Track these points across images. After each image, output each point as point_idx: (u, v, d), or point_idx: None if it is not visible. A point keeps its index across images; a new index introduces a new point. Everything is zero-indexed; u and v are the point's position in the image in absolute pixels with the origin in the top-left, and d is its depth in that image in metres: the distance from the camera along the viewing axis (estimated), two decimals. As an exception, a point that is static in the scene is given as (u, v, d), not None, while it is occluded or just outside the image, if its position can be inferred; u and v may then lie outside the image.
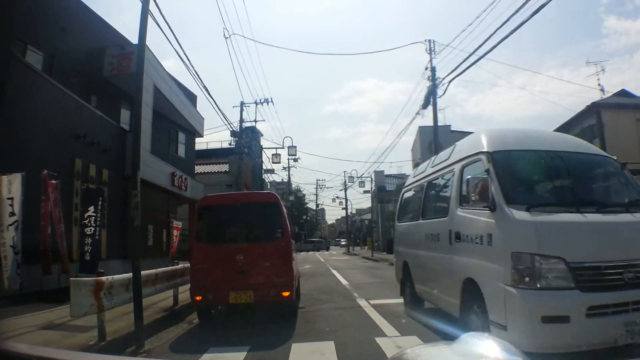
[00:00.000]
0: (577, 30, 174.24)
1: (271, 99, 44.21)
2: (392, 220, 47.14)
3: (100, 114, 19.42)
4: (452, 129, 39.67)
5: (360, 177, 44.12)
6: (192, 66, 19.66)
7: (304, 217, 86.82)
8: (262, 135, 62.02)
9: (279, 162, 43.21)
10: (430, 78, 21.49)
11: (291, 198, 59.90)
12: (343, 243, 72.98)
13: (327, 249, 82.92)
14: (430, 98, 21.61)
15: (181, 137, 32.07)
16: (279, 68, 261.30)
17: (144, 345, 8.11)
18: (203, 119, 33.93)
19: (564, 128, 30.63)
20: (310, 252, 69.01)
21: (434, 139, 22.29)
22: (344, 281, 18.99)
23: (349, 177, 42.52)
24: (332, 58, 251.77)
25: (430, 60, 21.83)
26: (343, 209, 68.56)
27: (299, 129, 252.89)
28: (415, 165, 42.48)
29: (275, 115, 73.80)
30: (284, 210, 11.10)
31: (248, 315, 11.14)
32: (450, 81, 20.08)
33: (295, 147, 38.80)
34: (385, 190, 63.12)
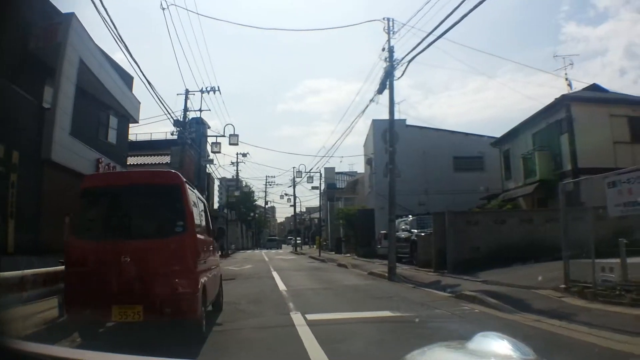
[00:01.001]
0: (535, 36, 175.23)
1: (218, 87, 41.13)
2: (343, 218, 45.01)
3: (17, 89, 16.33)
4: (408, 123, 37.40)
5: (309, 172, 41.55)
6: (115, 27, 16.68)
7: (252, 214, 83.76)
8: (209, 128, 58.90)
9: (219, 152, 40.14)
10: (388, 59, 18.91)
11: (237, 193, 56.63)
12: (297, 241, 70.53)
13: (280, 248, 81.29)
14: (387, 82, 19.02)
15: (113, 121, 28.73)
16: (231, 65, 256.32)
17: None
18: (139, 102, 30.68)
19: (530, 123, 28.54)
20: (257, 251, 66.14)
21: (389, 127, 19.72)
22: (282, 286, 16.20)
23: (297, 172, 39.95)
24: (288, 57, 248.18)
25: (389, 40, 19.33)
26: (291, 206, 65.70)
27: (252, 126, 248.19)
28: (368, 160, 40.05)
29: (223, 107, 70.29)
30: (190, 196, 8.30)
31: (147, 335, 8.07)
32: (409, 61, 17.62)
33: (237, 135, 35.80)
34: (335, 187, 60.69)
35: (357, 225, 38.21)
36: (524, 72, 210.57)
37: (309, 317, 9.65)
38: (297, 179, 51.54)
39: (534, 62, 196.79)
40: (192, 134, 50.14)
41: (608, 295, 10.35)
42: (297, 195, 66.94)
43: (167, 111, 31.42)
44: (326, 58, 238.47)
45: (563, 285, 11.74)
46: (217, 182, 57.23)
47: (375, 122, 38.40)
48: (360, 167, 51.74)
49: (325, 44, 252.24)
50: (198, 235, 8.38)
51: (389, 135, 19.31)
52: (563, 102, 24.80)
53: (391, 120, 19.46)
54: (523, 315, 9.50)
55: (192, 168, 48.42)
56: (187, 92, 39.81)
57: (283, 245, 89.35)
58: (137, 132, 59.94)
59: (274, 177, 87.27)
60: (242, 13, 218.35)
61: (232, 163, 68.48)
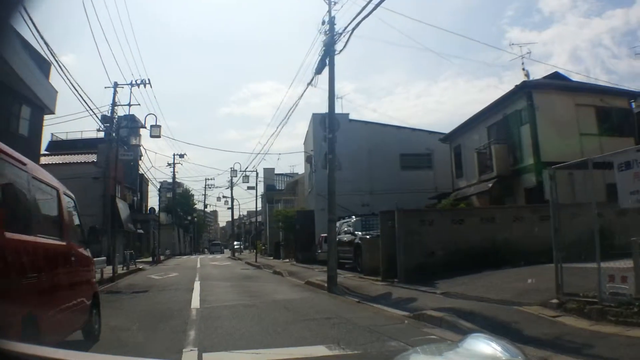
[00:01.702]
0: (478, 41, 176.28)
1: (148, 80, 37.01)
2: (282, 221, 41.76)
3: None
4: (350, 118, 34.50)
5: (244, 171, 38.01)
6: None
7: (189, 217, 79.57)
8: (143, 127, 54.78)
9: (139, 145, 36.23)
10: (328, 31, 15.84)
11: (169, 194, 52.58)
12: (236, 246, 66.73)
13: (223, 252, 78.14)
14: (327, 58, 15.95)
15: (25, 111, 24.88)
16: (174, 66, 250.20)
17: None
18: (56, 92, 26.78)
19: (484, 115, 26.15)
20: (194, 256, 62.28)
21: (329, 110, 16.61)
22: (196, 302, 12.83)
23: (233, 171, 36.35)
24: (230, 60, 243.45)
25: (329, 10, 16.19)
26: (229, 209, 61.94)
27: (194, 130, 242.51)
28: (308, 158, 36.94)
29: (155, 103, 66.37)
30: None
31: None
32: (352, 31, 14.61)
33: (159, 126, 31.90)
34: (274, 189, 57.44)
35: (296, 228, 35.07)
36: (465, 77, 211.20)
37: (207, 358, 6.44)
38: (234, 179, 47.87)
39: (476, 69, 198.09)
40: (122, 132, 46.24)
41: (621, 314, 7.53)
42: (236, 197, 63.44)
43: (88, 105, 27.30)
44: (268, 60, 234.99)
45: (555, 300, 8.92)
46: (156, 185, 53.06)
47: (315, 116, 35.44)
48: (302, 169, 48.72)
49: (269, 46, 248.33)
50: (26, 238, 5.18)
51: (328, 120, 16.27)
52: (524, 90, 22.50)
53: (331, 102, 16.36)
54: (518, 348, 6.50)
55: (120, 167, 44.40)
56: (115, 84, 35.95)
57: (226, 250, 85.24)
58: (67, 131, 55.61)
59: (213, 179, 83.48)
60: (187, 12, 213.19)
61: (169, 164, 64.71)
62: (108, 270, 23.45)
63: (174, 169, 64.69)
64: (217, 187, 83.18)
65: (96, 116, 33.85)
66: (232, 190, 56.23)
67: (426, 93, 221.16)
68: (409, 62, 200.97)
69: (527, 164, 22.39)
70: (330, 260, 15.53)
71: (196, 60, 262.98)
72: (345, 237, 22.73)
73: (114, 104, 35.28)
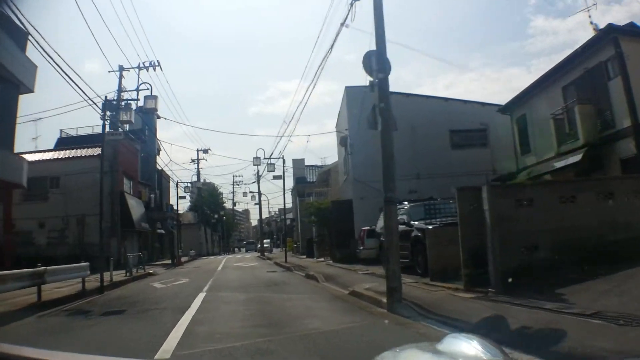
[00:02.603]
0: (503, 31, 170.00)
1: (158, 62, 31.90)
2: (314, 215, 36.49)
3: None
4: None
5: (270, 157, 32.56)
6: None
7: (216, 215, 74.89)
8: (159, 118, 50.00)
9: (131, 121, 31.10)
10: None
11: (186, 188, 47.45)
12: (266, 245, 61.97)
13: (255, 250, 72.30)
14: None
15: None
16: (202, 67, 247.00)
17: None
18: (35, 67, 22.05)
19: (557, 74, 20.77)
20: (221, 257, 57.55)
21: (377, 42, 10.94)
22: (172, 341, 7.46)
23: (256, 158, 30.86)
24: (258, 59, 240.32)
25: None
26: (256, 204, 56.76)
27: (222, 129, 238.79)
28: (342, 140, 31.57)
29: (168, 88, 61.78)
30: None
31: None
32: None
33: (155, 97, 26.64)
34: (305, 181, 52.19)
35: (331, 221, 29.78)
36: (492, 68, 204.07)
37: None
38: (259, 170, 42.34)
39: (502, 57, 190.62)
40: (136, 122, 41.57)
41: None
42: (264, 193, 58.29)
43: (82, 90, 22.29)
44: (296, 58, 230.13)
45: None
46: (178, 183, 48.00)
47: (348, 90, 30.29)
48: (334, 159, 43.33)
49: (292, 47, 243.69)
50: None
51: (377, 57, 10.72)
52: (610, 36, 17.29)
53: (379, 25, 10.79)
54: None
55: (133, 161, 39.64)
56: (121, 68, 31.04)
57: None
58: (77, 127, 50.96)
59: (241, 175, 78.70)
60: (206, 17, 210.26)
61: (193, 160, 60.06)
62: (106, 277, 18.89)
63: (198, 165, 60.11)
64: (245, 184, 78.38)
65: (97, 105, 29.37)
66: (258, 181, 51.02)
67: (453, 85, 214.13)
68: (438, 51, 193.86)
69: (621, 128, 17.51)
70: (391, 263, 10.18)
71: (223, 63, 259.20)
72: (401, 229, 17.56)
73: (120, 90, 30.51)
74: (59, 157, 35.25)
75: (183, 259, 41.15)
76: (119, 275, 23.14)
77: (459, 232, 11.11)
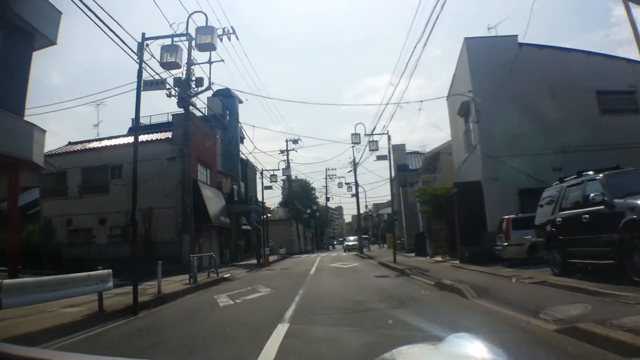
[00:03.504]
0: (585, 20, 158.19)
1: (233, 29, 26.25)
2: (427, 203, 29.55)
3: None
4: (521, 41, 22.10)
5: (372, 133, 25.78)
6: None
7: (309, 210, 69.15)
8: (241, 102, 44.73)
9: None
10: None
11: (271, 179, 41.36)
12: (351, 241, 55.74)
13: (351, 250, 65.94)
14: None
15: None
16: (290, 69, 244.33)
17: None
18: (60, 13, 16.74)
19: None
20: (314, 255, 51.84)
21: None
22: None
23: (354, 135, 24.47)
24: (346, 57, 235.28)
25: None
26: (353, 195, 50.32)
27: (312, 128, 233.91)
28: (462, 107, 24.61)
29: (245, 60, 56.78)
30: None
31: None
32: None
33: (212, 28, 20.36)
34: (407, 169, 45.33)
35: (454, 210, 22.99)
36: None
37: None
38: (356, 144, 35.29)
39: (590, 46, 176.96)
40: (216, 106, 36.37)
41: None
42: (361, 184, 51.89)
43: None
44: (382, 53, 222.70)
45: None
46: (261, 173, 42.19)
47: (470, 43, 23.40)
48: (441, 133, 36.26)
49: (380, 44, 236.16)
50: None
51: None
52: None
53: None
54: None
55: (211, 147, 34.26)
56: (190, 38, 25.79)
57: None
58: (151, 114, 46.22)
59: (335, 169, 72.74)
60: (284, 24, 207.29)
61: (282, 151, 54.61)
62: (151, 288, 14.27)
63: (287, 156, 54.68)
64: (339, 177, 73.12)
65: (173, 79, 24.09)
66: (355, 169, 44.66)
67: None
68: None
69: None
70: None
71: (311, 63, 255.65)
72: (588, 213, 11.03)
73: (190, 63, 25.13)
74: (121, 143, 30.28)
75: (271, 258, 35.44)
76: (179, 282, 17.48)
77: None
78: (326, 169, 72.11)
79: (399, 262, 23.67)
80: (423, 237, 29.86)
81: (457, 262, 20.70)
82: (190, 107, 26.40)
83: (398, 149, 46.71)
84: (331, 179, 71.22)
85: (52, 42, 16.53)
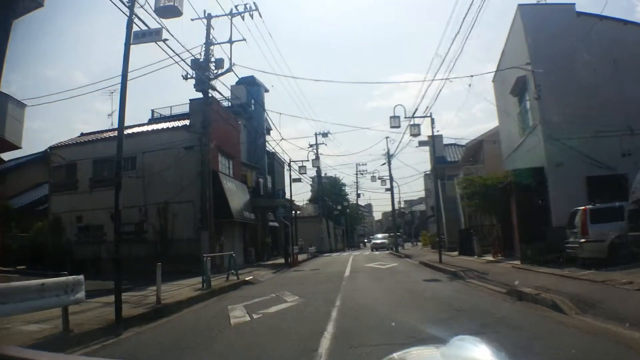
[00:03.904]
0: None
1: (255, 5, 23.54)
2: (475, 195, 25.85)
3: None
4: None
5: (412, 115, 22.34)
6: None
7: (339, 206, 66.24)
8: (266, 91, 41.94)
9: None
10: None
11: (303, 174, 38.36)
12: (379, 239, 52.65)
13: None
14: None
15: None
16: (318, 66, 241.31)
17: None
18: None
19: None
20: (345, 253, 48.96)
21: None
22: None
23: (394, 118, 21.27)
24: (374, 55, 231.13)
25: None
26: (387, 190, 47.11)
27: (340, 128, 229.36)
28: (517, 83, 21.36)
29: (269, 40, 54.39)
30: None
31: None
32: None
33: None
34: (445, 162, 42.04)
35: (512, 202, 19.85)
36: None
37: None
38: (394, 130, 31.74)
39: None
40: (239, 93, 33.63)
41: None
42: (394, 178, 48.63)
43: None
44: (409, 51, 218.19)
45: None
46: (291, 162, 39.17)
47: (524, 10, 20.36)
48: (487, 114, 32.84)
49: (408, 40, 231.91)
50: None
51: None
52: None
53: None
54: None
55: (234, 136, 31.51)
56: (209, 16, 23.24)
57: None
58: (172, 104, 43.23)
59: (365, 164, 69.54)
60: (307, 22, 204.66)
61: (311, 145, 51.76)
62: (154, 295, 11.53)
63: (317, 149, 51.76)
64: (370, 173, 70.15)
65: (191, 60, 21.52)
66: (389, 160, 41.56)
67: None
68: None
69: None
70: None
71: (340, 62, 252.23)
72: None
73: (208, 43, 22.46)
74: (135, 132, 27.66)
75: (300, 257, 32.57)
76: (190, 287, 14.74)
77: None
78: (357, 164, 69.07)
79: (445, 262, 20.60)
80: (468, 234, 26.65)
81: (517, 262, 17.54)
82: (210, 92, 23.73)
83: (436, 140, 43.47)
84: (361, 174, 68.24)
85: (40, 3, 13.79)
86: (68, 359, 2.43)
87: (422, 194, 64.23)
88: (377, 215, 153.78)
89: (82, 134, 33.18)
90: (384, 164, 44.09)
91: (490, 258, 21.59)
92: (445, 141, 41.14)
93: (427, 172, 51.81)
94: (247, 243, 31.09)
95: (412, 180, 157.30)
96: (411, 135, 22.16)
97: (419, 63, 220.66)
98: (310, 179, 59.91)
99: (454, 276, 15.43)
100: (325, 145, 50.85)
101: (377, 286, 14.57)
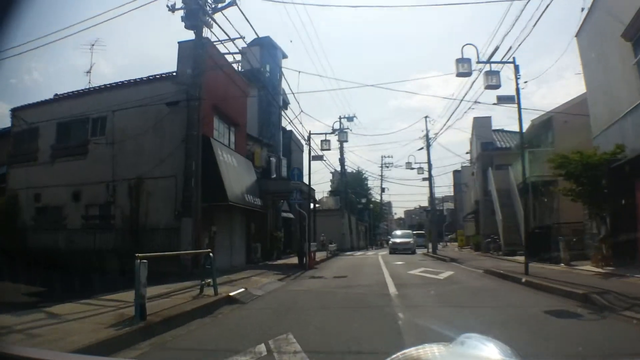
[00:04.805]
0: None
1: None
2: (573, 177, 17.50)
3: None
4: None
5: (489, 61, 15.46)
6: None
7: (363, 200, 59.65)
8: (285, 57, 35.17)
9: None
10: None
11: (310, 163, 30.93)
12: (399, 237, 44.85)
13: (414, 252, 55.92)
14: None
15: None
16: (343, 64, 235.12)
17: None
18: None
19: None
20: (371, 252, 42.31)
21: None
22: None
23: (459, 61, 14.95)
24: (397, 54, 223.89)
25: None
26: (425, 179, 40.06)
27: (360, 124, 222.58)
28: (636, 21, 14.32)
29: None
30: None
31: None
32: None
33: None
34: (494, 147, 35.00)
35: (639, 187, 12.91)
36: None
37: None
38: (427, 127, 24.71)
39: None
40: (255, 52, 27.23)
41: None
42: (423, 171, 41.68)
43: None
44: (433, 50, 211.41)
45: None
46: (310, 134, 32.23)
47: None
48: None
49: (432, 43, 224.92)
50: None
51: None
52: None
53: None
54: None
55: (238, 100, 24.49)
56: None
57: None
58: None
59: (391, 157, 62.89)
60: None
61: (334, 131, 44.78)
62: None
63: (340, 134, 44.91)
64: (396, 167, 63.52)
65: None
66: (428, 144, 34.67)
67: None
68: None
69: None
70: None
71: (363, 57, 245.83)
72: None
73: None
74: (105, 85, 21.05)
75: (318, 256, 25.67)
76: (119, 313, 8.09)
77: None
78: (382, 157, 62.31)
79: (533, 274, 13.69)
80: (548, 233, 19.61)
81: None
82: (205, 32, 17.17)
83: (483, 124, 36.58)
84: (387, 167, 61.54)
85: None
86: (70, 358, 2.45)
87: (449, 191, 57.85)
88: (398, 212, 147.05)
89: (55, 96, 26.70)
90: (421, 148, 37.17)
91: (592, 268, 14.68)
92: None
93: (464, 163, 45.03)
94: (252, 237, 24.30)
95: (443, 173, 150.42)
96: (486, 87, 15.19)
97: (446, 61, 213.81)
98: (331, 174, 53.47)
99: (587, 301, 8.56)
100: (350, 130, 43.47)
101: (465, 324, 7.46)
